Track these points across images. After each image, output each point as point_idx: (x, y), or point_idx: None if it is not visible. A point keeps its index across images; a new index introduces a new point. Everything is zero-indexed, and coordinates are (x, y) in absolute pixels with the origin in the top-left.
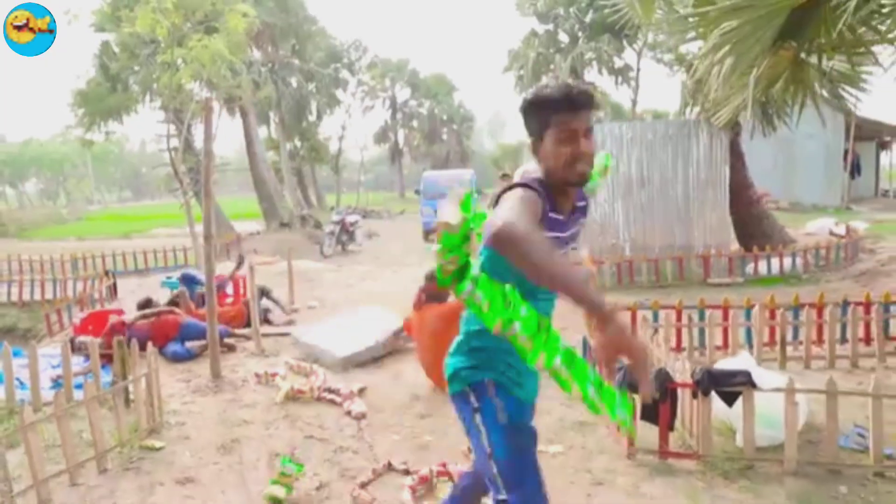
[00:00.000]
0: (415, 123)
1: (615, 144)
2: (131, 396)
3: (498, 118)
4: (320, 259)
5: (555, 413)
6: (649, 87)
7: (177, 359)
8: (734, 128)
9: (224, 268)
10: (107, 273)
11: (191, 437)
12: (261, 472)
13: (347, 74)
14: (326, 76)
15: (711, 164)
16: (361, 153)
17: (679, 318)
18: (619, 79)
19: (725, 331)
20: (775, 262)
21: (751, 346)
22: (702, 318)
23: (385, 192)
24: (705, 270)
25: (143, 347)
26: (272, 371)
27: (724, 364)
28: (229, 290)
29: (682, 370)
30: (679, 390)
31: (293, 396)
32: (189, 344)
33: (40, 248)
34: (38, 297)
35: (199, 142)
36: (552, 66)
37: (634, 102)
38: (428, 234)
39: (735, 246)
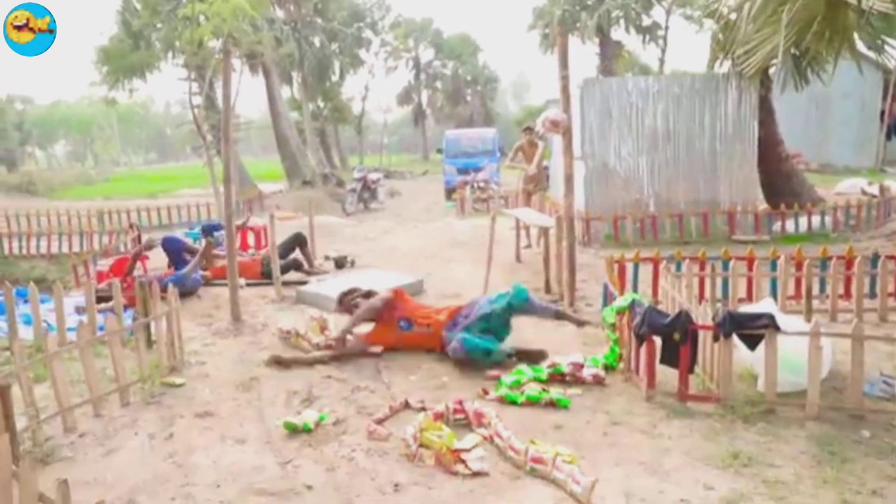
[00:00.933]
0: (438, 84)
1: (641, 97)
2: (153, 338)
3: (522, 80)
4: (342, 216)
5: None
6: (678, 46)
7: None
8: (765, 83)
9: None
10: (131, 226)
11: (210, 376)
12: (278, 408)
13: (370, 34)
14: (349, 35)
15: (740, 119)
16: (384, 115)
17: (702, 269)
18: (647, 37)
19: (750, 282)
20: (803, 220)
21: (775, 298)
22: (725, 269)
23: (409, 155)
24: (730, 227)
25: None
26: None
27: (747, 309)
28: (251, 240)
29: (703, 314)
30: (700, 333)
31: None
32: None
33: (69, 206)
34: (66, 250)
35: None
36: (578, 24)
37: (662, 62)
38: (450, 192)
39: (762, 204)
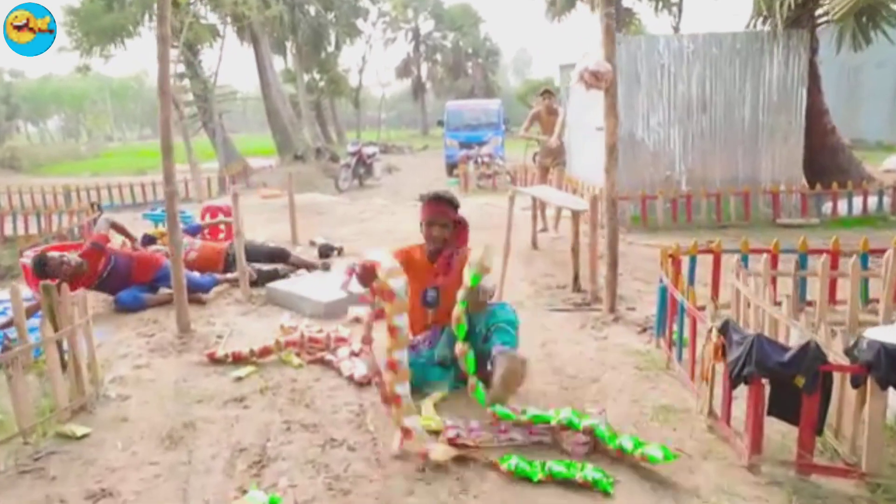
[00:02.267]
0: (438, 57)
1: (674, 59)
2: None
3: (524, 55)
4: (335, 194)
5: (625, 393)
6: (694, 13)
7: (123, 307)
8: (812, 43)
9: (221, 202)
10: (93, 206)
11: (130, 420)
12: (214, 477)
13: (368, 2)
14: (346, 4)
15: (786, 86)
16: (383, 88)
17: (775, 265)
18: (660, 4)
19: (833, 282)
20: (857, 200)
21: (866, 303)
22: (803, 265)
23: (408, 130)
24: (775, 209)
25: (121, 285)
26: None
27: (883, 333)
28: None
29: (833, 345)
30: (835, 376)
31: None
32: (147, 296)
33: (47, 182)
34: (22, 231)
35: (207, 70)
36: None
37: (676, 30)
38: (451, 168)
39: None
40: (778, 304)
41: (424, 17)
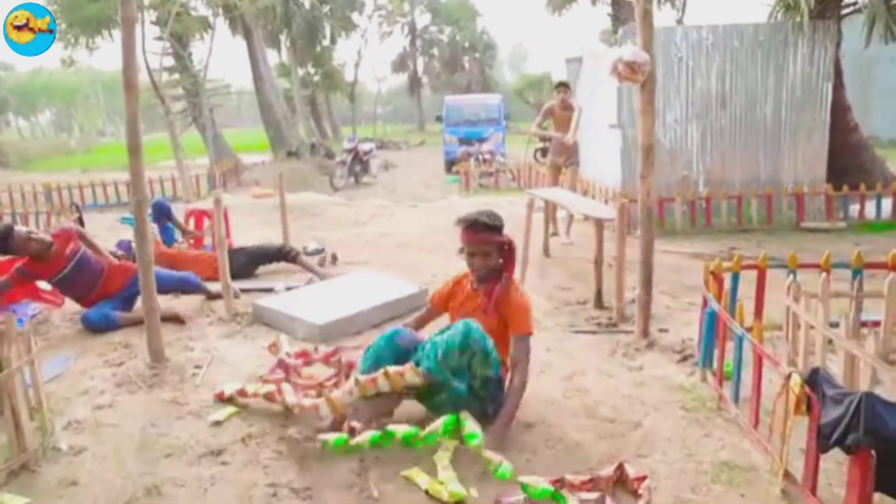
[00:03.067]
0: (435, 51)
1: (692, 52)
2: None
3: (520, 50)
4: (330, 192)
5: (674, 443)
6: (698, 7)
7: (91, 326)
8: (836, 36)
9: (208, 205)
10: (73, 206)
11: (80, 483)
12: None
13: None
14: None
15: (811, 80)
16: (378, 82)
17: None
18: None
19: None
20: (886, 203)
21: None
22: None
23: (404, 125)
24: (799, 212)
25: (86, 290)
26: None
27: None
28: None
29: None
30: None
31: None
32: (119, 314)
33: (29, 179)
34: None
35: (197, 63)
36: None
37: (680, 23)
38: (450, 165)
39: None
40: (834, 325)
41: (421, 11)
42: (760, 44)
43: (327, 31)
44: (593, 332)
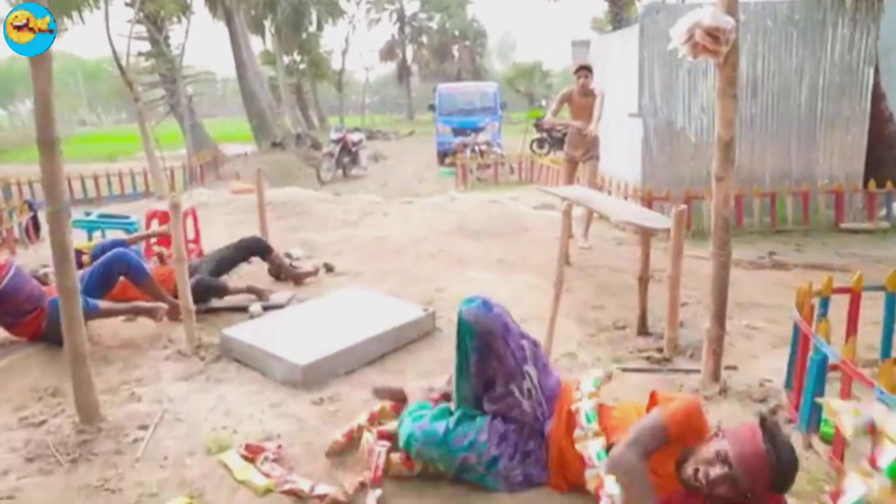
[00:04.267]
0: (424, 39)
1: None
2: None
3: (509, 39)
4: (317, 186)
5: None
6: None
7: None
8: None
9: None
10: (26, 205)
11: None
12: None
13: None
14: None
15: (850, 65)
16: (366, 71)
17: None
18: None
19: None
20: None
21: None
22: None
23: (392, 115)
24: (838, 211)
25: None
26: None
27: None
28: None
29: None
30: None
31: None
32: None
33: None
34: None
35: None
36: None
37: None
38: (443, 156)
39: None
40: None
41: None
42: (795, 23)
43: (314, 17)
44: (646, 371)
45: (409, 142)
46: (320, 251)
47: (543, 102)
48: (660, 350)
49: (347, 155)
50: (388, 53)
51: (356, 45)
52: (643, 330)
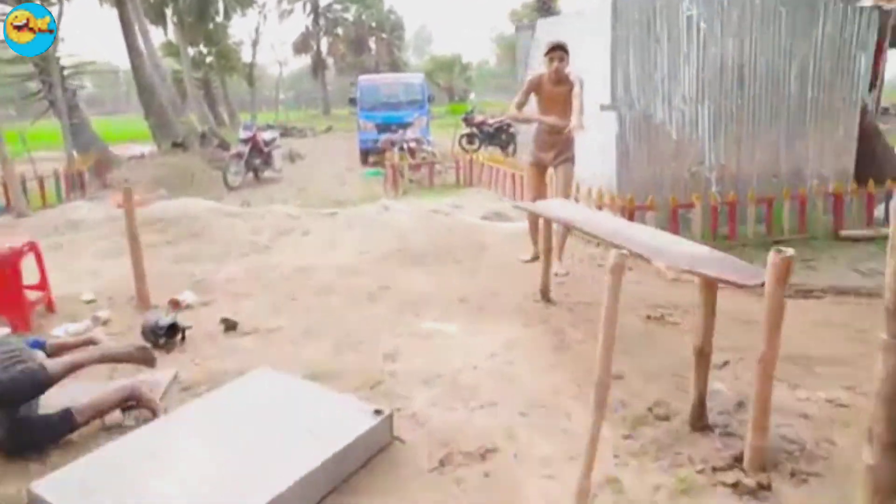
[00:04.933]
0: (339, 31)
1: (705, 9)
2: None
3: (423, 32)
4: (224, 193)
5: None
6: None
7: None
8: None
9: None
10: None
11: None
12: None
13: None
14: None
15: (842, 49)
16: (280, 65)
17: None
18: None
19: None
20: None
21: None
22: None
23: (308, 110)
24: (837, 217)
25: None
26: None
27: None
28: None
29: None
30: None
31: None
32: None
33: None
34: None
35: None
36: None
37: None
38: (366, 154)
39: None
40: None
41: None
42: (786, 2)
43: (220, 6)
44: None
45: (327, 139)
46: (219, 294)
47: (472, 96)
48: (738, 460)
49: (259, 156)
50: (302, 46)
51: (268, 36)
52: (700, 423)
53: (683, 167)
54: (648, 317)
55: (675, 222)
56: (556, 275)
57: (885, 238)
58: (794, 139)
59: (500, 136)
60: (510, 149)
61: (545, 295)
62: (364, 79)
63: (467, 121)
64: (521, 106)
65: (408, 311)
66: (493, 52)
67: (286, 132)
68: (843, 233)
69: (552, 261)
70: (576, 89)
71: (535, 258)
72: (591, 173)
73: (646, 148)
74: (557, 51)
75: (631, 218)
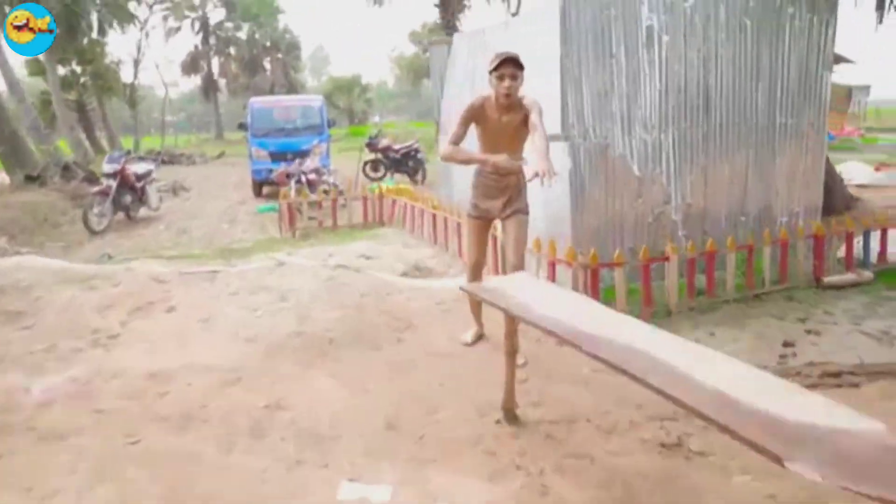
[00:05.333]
0: (232, 51)
1: (669, 20)
2: None
3: (320, 53)
4: (86, 238)
5: None
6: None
7: None
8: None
9: None
10: None
11: None
12: None
13: None
14: None
15: (808, 67)
16: (165, 86)
17: None
18: None
19: None
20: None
21: None
22: None
23: (200, 134)
24: (817, 262)
25: None
26: None
27: None
28: None
29: None
30: None
31: None
32: None
33: None
34: None
35: None
36: None
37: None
38: (260, 186)
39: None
40: None
41: (214, 5)
42: (750, 10)
43: (94, 21)
44: None
45: (218, 166)
46: (19, 438)
47: (377, 119)
48: None
49: (130, 192)
50: (191, 66)
51: (153, 55)
52: None
53: (648, 208)
54: (662, 445)
55: (647, 281)
56: (522, 379)
57: (870, 283)
58: (762, 171)
59: (407, 163)
60: (419, 176)
61: (510, 413)
62: (256, 101)
63: (371, 146)
64: (458, 141)
65: (311, 458)
66: (393, 72)
67: (173, 159)
68: (827, 280)
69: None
70: (533, 118)
71: (480, 337)
72: (538, 219)
73: (604, 186)
74: (509, 65)
75: (595, 279)
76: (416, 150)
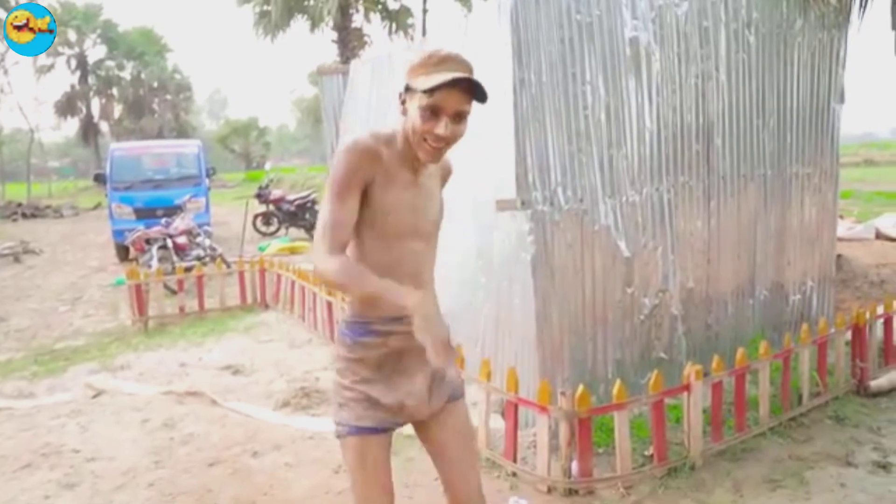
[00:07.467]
0: (114, 91)
1: (657, 28)
2: None
3: (218, 96)
4: None
5: None
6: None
7: None
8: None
9: None
10: None
11: None
12: None
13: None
14: None
15: (818, 97)
16: (31, 129)
17: None
18: (394, 25)
19: None
20: None
21: None
22: None
23: (85, 180)
24: (859, 361)
25: None
26: None
27: None
28: None
29: None
30: None
31: None
32: None
33: None
34: None
35: None
36: (307, 3)
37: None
38: (125, 250)
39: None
40: None
41: (94, 42)
42: (752, 24)
43: None
44: None
45: (90, 220)
46: None
47: (268, 165)
48: None
49: None
50: (67, 107)
51: (19, 95)
52: None
53: (639, 300)
54: None
55: (660, 425)
56: None
57: None
58: (772, 236)
59: (303, 216)
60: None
61: None
62: (118, 147)
63: (261, 197)
64: (344, 247)
65: None
66: (293, 114)
67: (36, 212)
68: (874, 384)
69: None
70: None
71: None
72: (479, 332)
73: (581, 273)
74: (459, 92)
75: (587, 432)
76: (313, 202)
